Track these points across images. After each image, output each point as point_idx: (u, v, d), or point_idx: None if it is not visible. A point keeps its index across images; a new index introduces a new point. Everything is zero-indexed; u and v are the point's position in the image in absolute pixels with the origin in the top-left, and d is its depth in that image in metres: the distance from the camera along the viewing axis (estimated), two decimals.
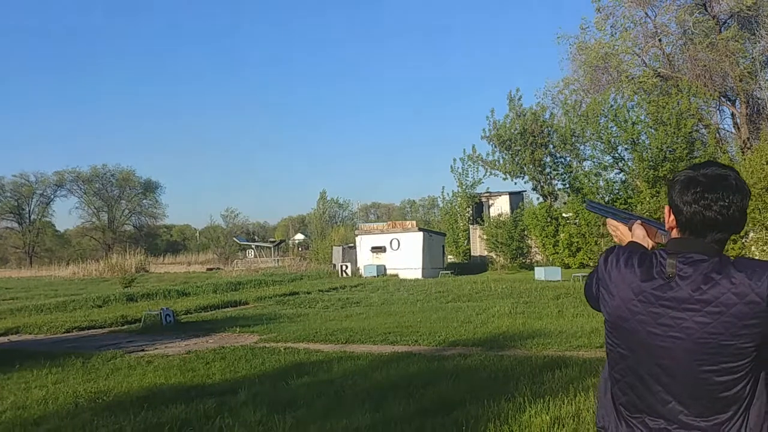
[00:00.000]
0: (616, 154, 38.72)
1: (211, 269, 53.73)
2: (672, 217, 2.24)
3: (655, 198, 35.83)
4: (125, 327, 18.40)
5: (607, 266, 2.28)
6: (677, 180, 2.23)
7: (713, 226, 2.14)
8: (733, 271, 2.07)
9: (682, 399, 2.14)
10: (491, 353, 11.04)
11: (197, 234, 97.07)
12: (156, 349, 13.80)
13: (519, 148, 41.19)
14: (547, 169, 42.25)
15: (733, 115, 42.87)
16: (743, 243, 33.84)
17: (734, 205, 2.12)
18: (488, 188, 46.55)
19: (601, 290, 2.30)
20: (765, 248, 31.03)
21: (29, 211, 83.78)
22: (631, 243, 2.46)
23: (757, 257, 29.06)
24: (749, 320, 2.02)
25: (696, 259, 2.13)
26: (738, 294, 2.04)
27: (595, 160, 39.31)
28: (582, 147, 40.38)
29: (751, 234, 33.40)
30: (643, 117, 37.87)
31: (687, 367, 2.10)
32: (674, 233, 2.26)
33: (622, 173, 39.35)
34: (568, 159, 41.34)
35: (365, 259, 40.66)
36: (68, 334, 17.30)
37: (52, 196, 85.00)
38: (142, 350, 13.66)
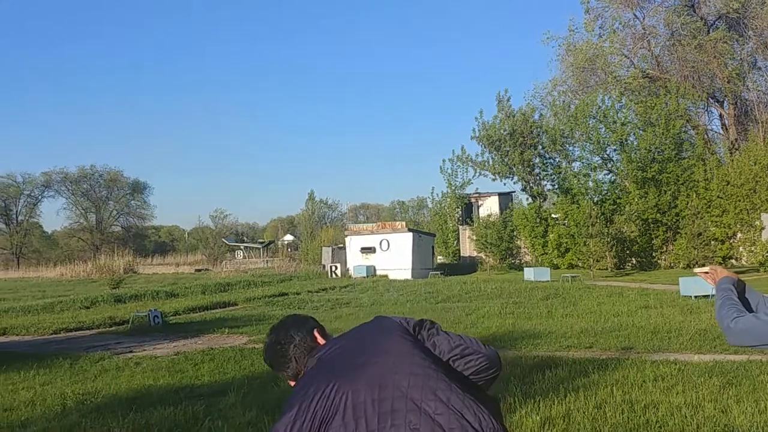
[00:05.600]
0: (605, 155, 38.88)
1: (199, 270, 53.56)
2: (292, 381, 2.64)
3: (643, 199, 35.95)
4: (113, 328, 18.28)
5: None
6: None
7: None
8: None
9: None
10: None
11: (186, 235, 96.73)
12: (144, 350, 13.72)
13: (508, 148, 41.26)
14: (537, 170, 42.35)
15: (721, 116, 43.14)
16: (731, 244, 34.00)
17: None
18: (477, 189, 46.63)
19: None
20: (753, 249, 31.16)
21: (16, 212, 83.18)
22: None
23: (744, 258, 29.07)
24: None
25: None
26: None
27: (584, 160, 39.47)
28: (571, 148, 40.54)
29: (739, 235, 33.56)
30: (631, 118, 38.02)
31: None
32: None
33: (611, 174, 39.49)
34: (557, 160, 41.46)
35: (355, 260, 40.62)
36: (56, 336, 17.17)
37: (40, 197, 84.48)
38: (131, 351, 13.57)
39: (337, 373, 2.34)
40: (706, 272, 3.21)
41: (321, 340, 2.66)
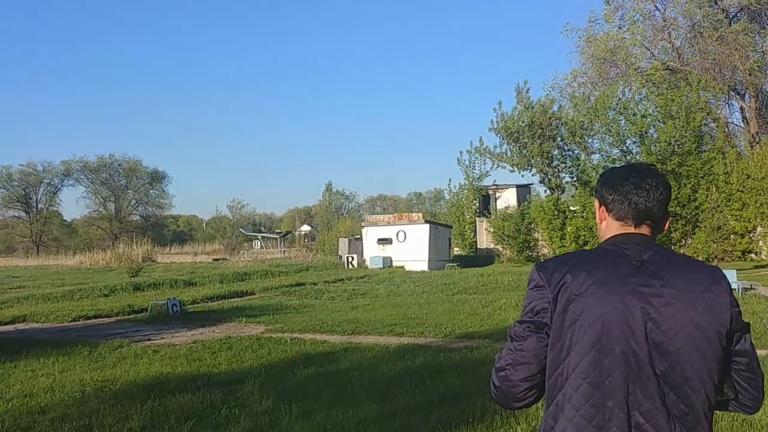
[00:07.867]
0: (625, 148, 38.56)
1: (217, 260, 53.78)
2: (602, 208, 2.25)
3: None
4: (132, 316, 18.42)
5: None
6: (607, 174, 2.28)
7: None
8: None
9: None
10: (498, 345, 11.00)
11: (204, 224, 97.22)
12: (162, 338, 13.82)
13: (527, 140, 41.05)
14: (555, 162, 42.11)
15: (742, 109, 42.67)
16: (750, 238, 33.69)
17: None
18: (495, 181, 46.41)
19: None
20: None
21: (36, 200, 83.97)
22: None
23: (764, 252, 28.74)
24: None
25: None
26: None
27: (603, 153, 39.14)
28: (590, 140, 40.21)
29: (759, 229, 33.25)
30: (651, 110, 37.69)
31: None
32: (604, 225, 2.25)
33: None
34: (576, 152, 41.19)
35: (371, 251, 40.65)
36: (75, 323, 17.33)
37: (60, 186, 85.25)
38: (149, 339, 13.67)
39: (628, 294, 2.01)
40: None
41: (665, 226, 2.23)
